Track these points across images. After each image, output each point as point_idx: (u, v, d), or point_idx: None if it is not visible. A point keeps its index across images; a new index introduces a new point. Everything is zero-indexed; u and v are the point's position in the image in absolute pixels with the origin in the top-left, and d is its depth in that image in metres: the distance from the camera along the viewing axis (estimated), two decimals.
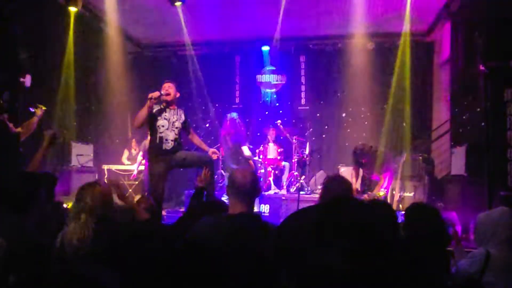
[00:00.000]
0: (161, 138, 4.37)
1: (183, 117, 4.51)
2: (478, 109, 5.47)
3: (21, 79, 5.02)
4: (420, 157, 6.69)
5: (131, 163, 7.13)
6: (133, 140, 7.38)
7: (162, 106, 4.42)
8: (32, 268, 1.96)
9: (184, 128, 4.55)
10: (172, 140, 4.39)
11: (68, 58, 6.56)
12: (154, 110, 4.38)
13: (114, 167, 6.98)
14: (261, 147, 7.36)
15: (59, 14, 6.26)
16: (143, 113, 4.30)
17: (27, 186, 2.23)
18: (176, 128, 4.43)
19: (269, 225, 2.00)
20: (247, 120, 8.52)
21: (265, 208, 6.38)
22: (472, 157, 5.53)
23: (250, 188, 2.06)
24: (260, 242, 1.83)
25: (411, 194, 6.43)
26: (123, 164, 7.19)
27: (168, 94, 4.41)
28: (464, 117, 6.03)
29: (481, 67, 4.90)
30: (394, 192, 6.15)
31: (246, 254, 1.74)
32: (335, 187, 2.50)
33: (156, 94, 4.28)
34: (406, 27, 6.95)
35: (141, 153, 6.99)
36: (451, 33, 6.63)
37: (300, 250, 0.78)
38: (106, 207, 2.22)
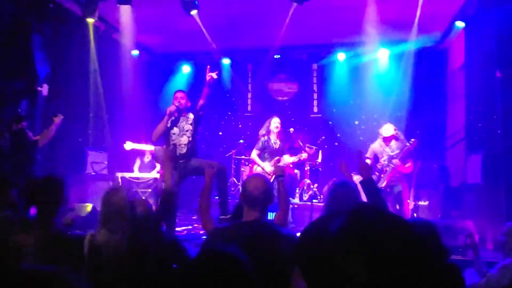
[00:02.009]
0: (174, 145, 4.47)
1: (191, 116, 4.58)
2: (494, 116, 5.39)
3: (39, 88, 5.15)
4: (435, 165, 6.61)
5: (141, 171, 7.20)
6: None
7: (173, 117, 4.51)
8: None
9: (198, 117, 4.62)
10: (185, 144, 4.47)
11: (93, 68, 6.76)
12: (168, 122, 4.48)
13: (127, 175, 7.04)
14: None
15: (76, 25, 6.38)
16: (162, 127, 4.44)
17: (57, 189, 2.35)
18: (187, 131, 4.51)
19: (282, 232, 2.01)
20: (259, 128, 8.53)
21: None
22: (488, 165, 5.45)
23: (262, 196, 2.07)
24: (275, 249, 1.83)
25: (426, 203, 6.35)
26: (132, 171, 7.25)
27: (180, 103, 4.51)
28: (479, 124, 5.95)
29: (498, 74, 4.84)
30: (408, 201, 6.08)
31: (261, 261, 1.74)
32: (341, 194, 2.47)
33: (173, 108, 4.44)
34: (418, 34, 6.94)
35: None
36: (465, 39, 6.57)
37: (321, 259, 0.78)
38: (131, 211, 2.32)
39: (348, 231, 0.73)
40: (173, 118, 4.50)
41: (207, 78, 4.66)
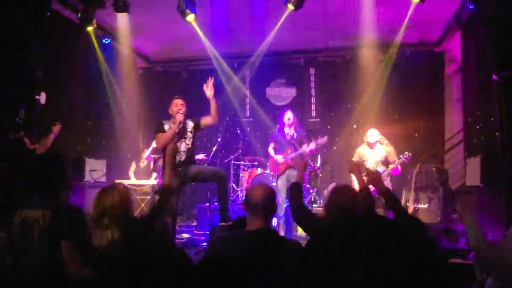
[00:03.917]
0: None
1: (190, 123, 4.55)
2: (492, 119, 5.41)
3: (36, 97, 5.13)
4: (434, 168, 6.62)
5: (137, 177, 7.18)
6: (144, 151, 7.43)
7: (173, 123, 4.48)
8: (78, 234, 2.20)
9: (197, 129, 4.58)
10: (184, 151, 4.44)
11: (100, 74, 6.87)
12: (167, 128, 4.45)
13: (126, 182, 7.01)
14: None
15: (74, 33, 6.39)
16: (170, 135, 4.34)
17: (57, 169, 2.41)
18: (185, 138, 4.48)
19: (286, 240, 1.99)
20: (257, 133, 8.55)
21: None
22: (487, 167, 5.45)
23: (265, 204, 2.04)
24: (278, 258, 1.82)
25: (426, 206, 6.35)
26: (129, 178, 7.22)
27: (181, 110, 4.48)
28: (477, 127, 5.97)
29: (494, 77, 4.86)
30: (408, 204, 6.08)
31: (265, 270, 1.73)
32: (339, 197, 2.47)
33: (182, 117, 4.38)
34: (415, 38, 6.96)
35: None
36: (462, 42, 6.61)
37: (327, 267, 0.77)
38: (125, 208, 2.33)
39: (352, 242, 0.73)
40: (180, 126, 4.47)
41: (208, 92, 4.49)
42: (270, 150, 5.99)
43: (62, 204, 2.30)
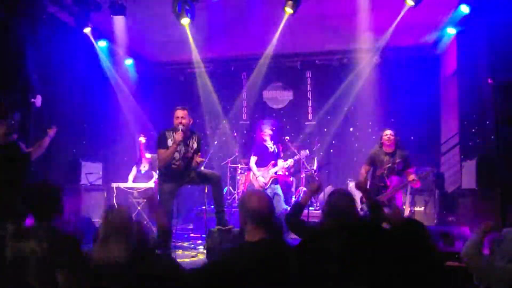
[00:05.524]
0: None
1: (194, 145, 4.53)
2: (487, 122, 5.43)
3: (32, 100, 5.12)
4: (430, 171, 6.63)
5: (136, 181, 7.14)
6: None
7: (181, 144, 4.44)
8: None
9: (196, 152, 4.57)
10: (183, 164, 4.44)
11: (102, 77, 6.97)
12: (170, 143, 4.41)
13: (122, 185, 6.98)
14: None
15: (71, 35, 6.38)
16: (170, 154, 4.33)
17: (52, 196, 2.39)
18: (186, 157, 4.47)
19: (291, 248, 1.89)
20: (254, 136, 8.55)
21: None
22: (483, 170, 5.47)
23: (268, 211, 1.95)
24: (285, 267, 1.76)
25: (422, 209, 6.37)
26: (127, 180, 7.18)
27: (182, 124, 4.38)
28: (473, 130, 6.00)
29: (490, 80, 4.89)
30: (404, 207, 6.09)
31: (272, 284, 1.67)
32: (337, 201, 2.47)
33: (181, 136, 4.31)
34: (411, 41, 6.97)
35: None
36: (457, 46, 6.64)
37: (322, 275, 0.77)
38: (131, 229, 2.34)
39: (351, 249, 0.72)
40: (182, 149, 4.44)
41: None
42: (253, 165, 5.93)
43: (58, 233, 2.28)
